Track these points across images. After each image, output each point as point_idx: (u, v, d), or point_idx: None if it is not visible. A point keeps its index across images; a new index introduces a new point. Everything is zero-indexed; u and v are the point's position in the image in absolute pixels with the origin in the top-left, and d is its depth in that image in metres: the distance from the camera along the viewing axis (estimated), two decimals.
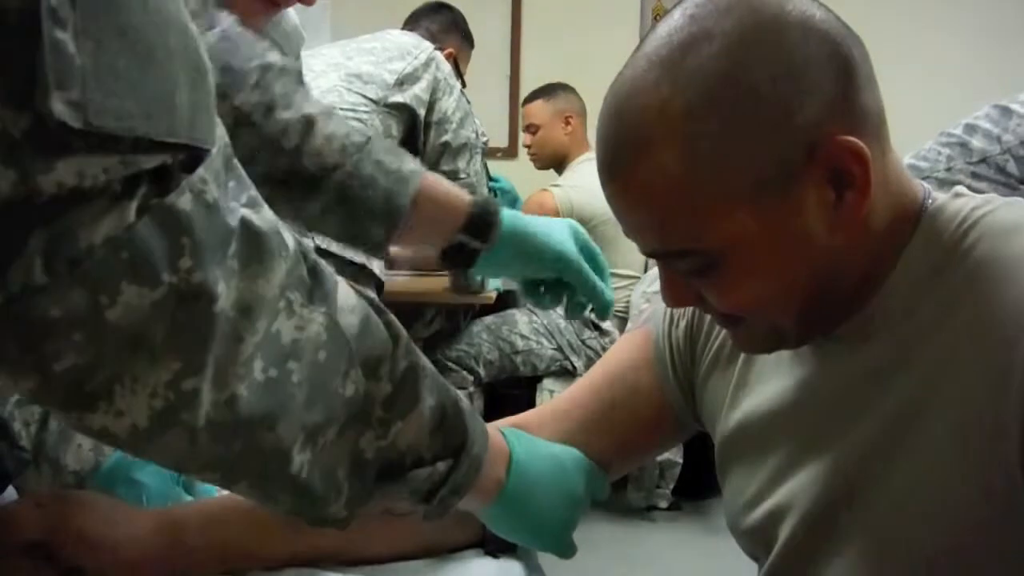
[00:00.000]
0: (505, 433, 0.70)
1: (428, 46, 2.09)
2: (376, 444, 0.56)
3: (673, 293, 0.63)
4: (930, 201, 0.62)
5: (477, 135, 2.16)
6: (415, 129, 2.05)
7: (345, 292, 0.53)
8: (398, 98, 1.99)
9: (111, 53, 0.36)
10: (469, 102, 2.15)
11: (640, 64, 0.58)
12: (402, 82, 2.00)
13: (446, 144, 2.06)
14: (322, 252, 1.85)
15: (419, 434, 0.58)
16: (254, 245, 0.45)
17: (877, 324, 0.61)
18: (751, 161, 0.55)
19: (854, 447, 0.62)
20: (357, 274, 1.92)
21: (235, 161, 0.46)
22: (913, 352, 0.59)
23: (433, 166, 2.10)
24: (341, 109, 1.97)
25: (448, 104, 2.05)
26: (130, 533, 0.67)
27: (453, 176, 2.10)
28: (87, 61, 0.35)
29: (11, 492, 0.76)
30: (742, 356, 0.74)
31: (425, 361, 0.59)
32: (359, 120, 1.97)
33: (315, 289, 0.50)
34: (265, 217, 0.46)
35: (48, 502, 0.66)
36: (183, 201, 0.40)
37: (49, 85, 0.34)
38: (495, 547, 0.79)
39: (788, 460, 0.67)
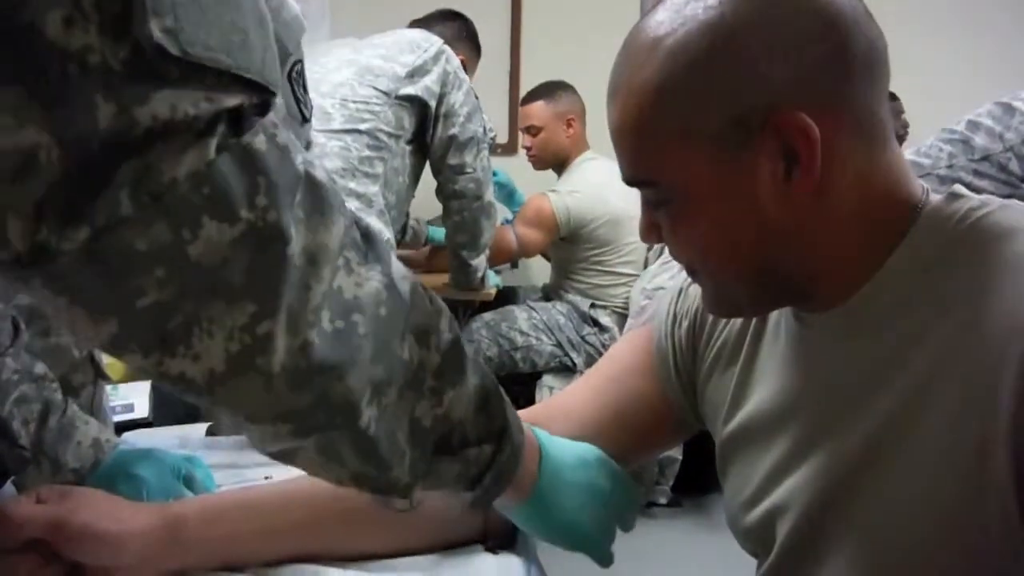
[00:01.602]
0: (533, 429, 0.70)
1: (438, 40, 2.10)
2: (432, 412, 0.57)
3: (644, 224, 0.66)
4: (928, 201, 0.62)
5: (485, 130, 2.16)
6: (427, 121, 2.06)
7: (396, 261, 0.54)
8: (409, 90, 2.00)
9: None
10: (478, 97, 2.15)
11: (661, 6, 0.62)
12: (412, 74, 2.01)
13: (453, 137, 2.07)
14: None
15: (467, 410, 0.59)
16: (317, 195, 0.46)
17: (871, 321, 0.61)
18: (708, 112, 0.58)
19: (852, 445, 0.62)
20: None
21: (289, 118, 0.47)
22: (908, 352, 0.59)
23: (440, 159, 2.10)
24: (353, 102, 1.98)
25: (456, 98, 2.06)
26: (131, 529, 0.67)
27: (460, 170, 2.10)
28: None
29: (10, 490, 0.76)
30: (743, 357, 0.74)
31: (465, 341, 0.60)
32: (371, 112, 1.98)
33: (369, 251, 0.51)
34: (322, 173, 0.47)
35: (49, 499, 0.66)
36: (258, 141, 0.41)
37: (147, 11, 0.35)
38: (495, 543, 0.79)
39: (787, 459, 0.67)
